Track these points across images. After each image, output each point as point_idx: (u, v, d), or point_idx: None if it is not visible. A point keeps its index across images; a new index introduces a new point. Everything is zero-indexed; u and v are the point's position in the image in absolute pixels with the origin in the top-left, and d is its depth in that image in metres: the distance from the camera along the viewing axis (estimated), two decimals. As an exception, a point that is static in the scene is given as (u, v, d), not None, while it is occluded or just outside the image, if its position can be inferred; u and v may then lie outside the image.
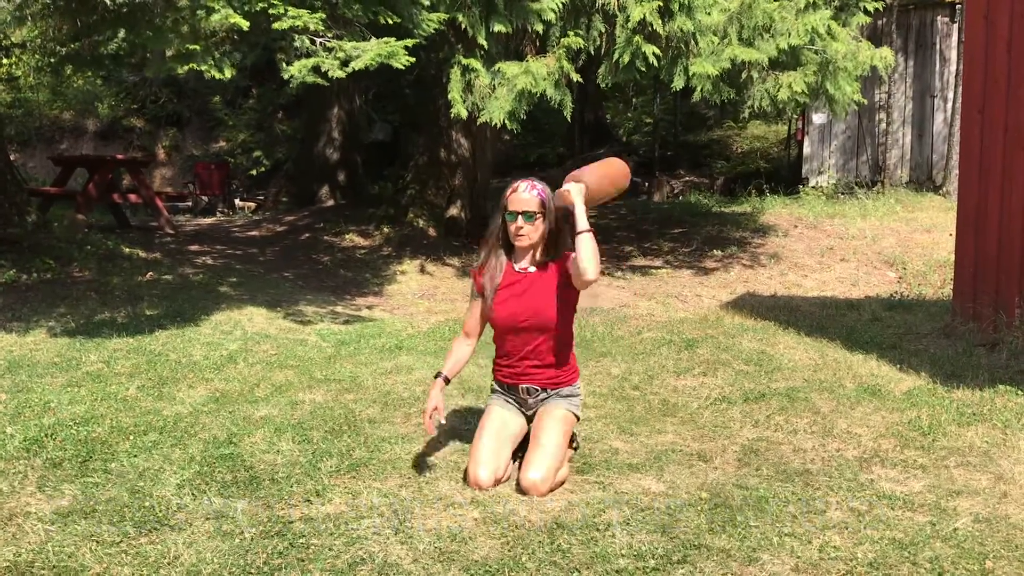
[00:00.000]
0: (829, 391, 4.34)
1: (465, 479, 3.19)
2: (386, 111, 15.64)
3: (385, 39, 5.68)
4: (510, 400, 3.40)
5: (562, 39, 6.93)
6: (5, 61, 15.49)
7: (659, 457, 3.48)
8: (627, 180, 3.44)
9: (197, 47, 5.16)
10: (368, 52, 5.50)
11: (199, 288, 7.00)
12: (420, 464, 3.37)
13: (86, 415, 3.86)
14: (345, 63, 5.54)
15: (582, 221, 3.11)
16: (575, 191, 3.16)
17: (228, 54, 5.52)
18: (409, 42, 5.68)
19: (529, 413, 3.39)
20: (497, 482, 3.14)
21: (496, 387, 3.46)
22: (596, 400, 4.32)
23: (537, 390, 3.34)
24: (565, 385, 3.38)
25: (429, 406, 3.22)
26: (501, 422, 3.31)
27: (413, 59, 5.71)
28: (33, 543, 2.66)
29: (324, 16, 5.45)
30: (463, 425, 3.86)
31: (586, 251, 3.08)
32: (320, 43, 5.62)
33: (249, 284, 7.40)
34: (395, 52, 5.57)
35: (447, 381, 3.34)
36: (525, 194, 3.23)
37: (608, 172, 3.35)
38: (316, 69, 5.54)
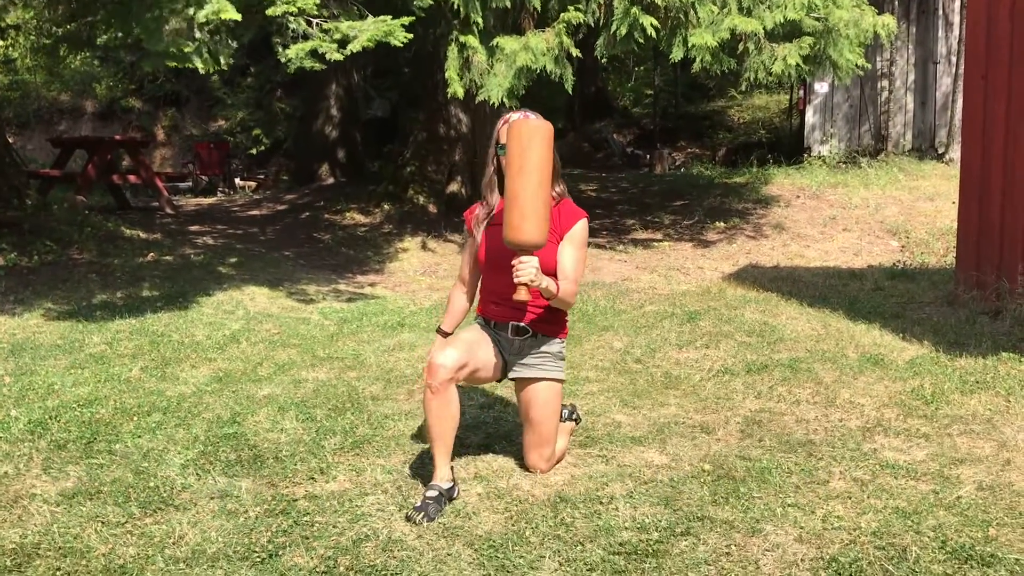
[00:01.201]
0: (832, 361, 4.33)
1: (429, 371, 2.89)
2: (384, 87, 15.54)
3: (382, 17, 5.62)
4: (491, 337, 3.11)
5: (562, 13, 6.84)
6: (1, 43, 15.39)
7: (662, 430, 3.48)
8: (539, 131, 2.76)
9: (189, 47, 5.10)
10: (365, 32, 5.43)
11: (200, 268, 7.00)
12: (423, 440, 3.37)
13: (90, 396, 3.87)
14: (343, 44, 5.48)
15: (551, 287, 2.82)
16: (526, 275, 2.73)
17: (222, 42, 5.46)
18: (406, 20, 5.61)
19: (508, 357, 3.10)
20: (453, 380, 2.86)
21: (479, 321, 3.18)
22: (598, 374, 4.32)
23: (527, 329, 3.05)
24: (553, 335, 3.10)
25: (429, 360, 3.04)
26: (478, 336, 3.07)
27: (411, 35, 5.65)
28: (39, 524, 2.68)
29: (317, 2, 5.39)
30: (466, 400, 3.86)
31: (563, 303, 2.96)
32: (316, 24, 5.57)
33: (250, 263, 7.40)
34: (392, 30, 5.50)
35: (446, 335, 3.18)
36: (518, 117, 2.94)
37: (527, 167, 2.73)
38: (314, 52, 5.48)
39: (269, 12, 5.21)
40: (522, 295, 2.76)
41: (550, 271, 2.94)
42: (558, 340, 3.13)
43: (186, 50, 5.10)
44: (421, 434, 3.45)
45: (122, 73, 17.12)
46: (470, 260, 3.19)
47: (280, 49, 5.61)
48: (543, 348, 3.09)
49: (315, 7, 5.36)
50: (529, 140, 2.73)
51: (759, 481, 2.96)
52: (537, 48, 6.67)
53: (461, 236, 3.04)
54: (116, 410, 3.71)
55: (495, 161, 3.07)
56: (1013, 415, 3.55)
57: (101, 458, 3.21)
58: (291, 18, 5.28)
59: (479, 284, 3.21)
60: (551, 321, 3.09)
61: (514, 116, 2.99)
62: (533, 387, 3.07)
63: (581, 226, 3.05)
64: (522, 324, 3.05)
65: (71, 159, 11.00)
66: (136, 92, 17.29)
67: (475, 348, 3.01)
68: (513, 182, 2.72)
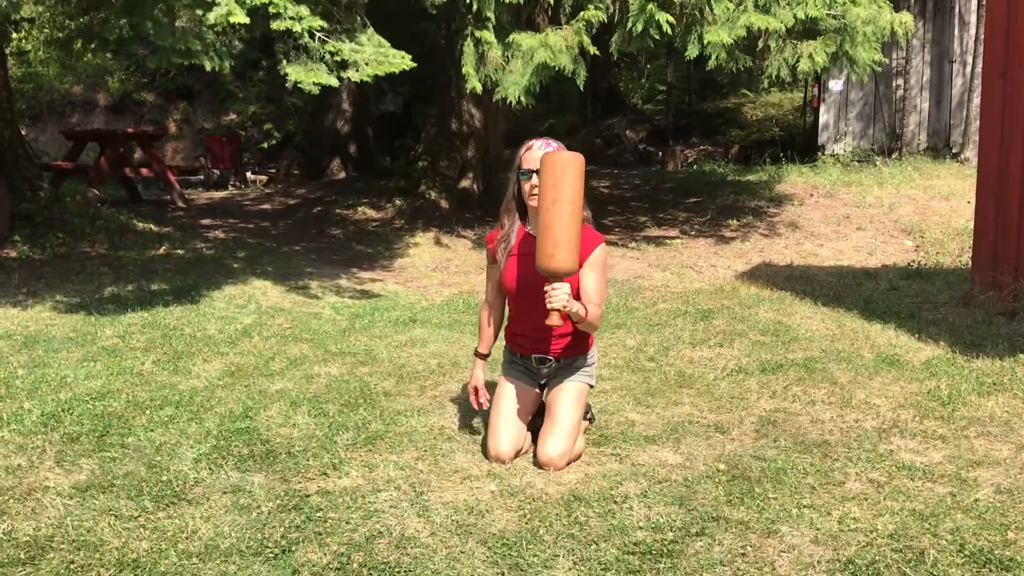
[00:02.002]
0: (847, 361, 4.30)
1: (484, 453, 3.17)
2: (396, 82, 15.53)
3: (382, 49, 5.66)
4: (522, 369, 3.33)
5: (582, 12, 6.82)
6: (15, 36, 15.44)
7: (676, 429, 3.46)
8: (572, 163, 2.87)
9: (197, 45, 5.13)
10: (367, 66, 5.50)
11: (212, 262, 7.01)
12: (436, 437, 3.36)
13: (102, 390, 3.87)
14: (342, 66, 5.53)
15: (580, 311, 2.98)
16: (559, 301, 2.88)
17: (230, 44, 5.48)
18: (406, 64, 5.66)
19: (542, 382, 3.34)
20: (517, 454, 3.14)
21: (508, 355, 3.39)
22: (612, 372, 4.30)
23: (550, 360, 3.25)
24: (579, 354, 3.28)
25: (471, 385, 3.36)
26: (516, 394, 3.28)
27: (414, 64, 5.71)
28: (52, 518, 2.67)
29: (324, 25, 5.41)
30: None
31: (590, 327, 3.13)
32: (318, 38, 5.57)
33: (262, 258, 7.40)
34: (393, 69, 5.60)
35: (484, 357, 3.38)
36: (540, 152, 3.09)
37: (562, 200, 2.84)
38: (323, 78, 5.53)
39: (275, 25, 5.23)
40: (555, 320, 2.91)
41: (574, 295, 3.08)
42: (583, 356, 3.30)
43: (194, 48, 5.12)
44: (434, 430, 3.44)
45: (134, 66, 17.17)
46: (495, 285, 3.35)
47: (283, 61, 5.61)
48: (571, 365, 3.28)
49: (319, 28, 5.37)
50: (563, 171, 2.85)
51: (774, 482, 2.93)
52: (556, 46, 6.65)
53: (485, 259, 3.14)
54: (128, 403, 3.71)
55: (516, 186, 3.20)
56: (1031, 417, 3.52)
57: (114, 451, 3.21)
58: (296, 27, 5.28)
59: (506, 307, 3.39)
60: (573, 347, 3.26)
61: (536, 144, 3.14)
62: (560, 386, 3.24)
63: (600, 251, 3.18)
64: (543, 356, 3.25)
65: (83, 152, 11.03)
66: (148, 85, 17.34)
67: (519, 405, 3.22)
68: (547, 212, 2.85)
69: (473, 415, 3.59)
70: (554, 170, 2.86)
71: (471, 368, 3.51)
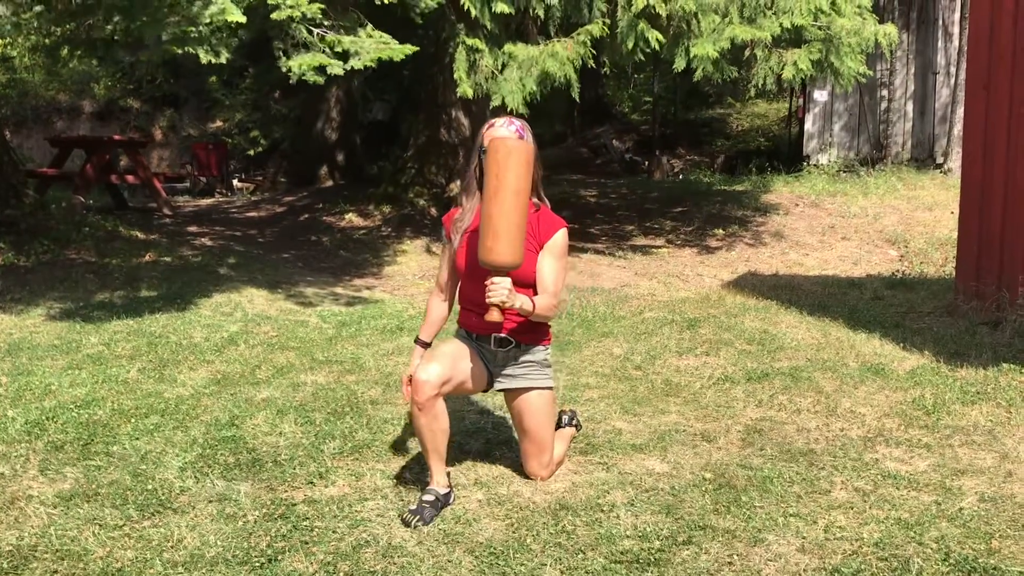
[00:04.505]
0: (832, 370, 4.32)
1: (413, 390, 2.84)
2: (384, 90, 15.54)
3: (384, 39, 5.67)
4: (476, 348, 3.03)
5: (585, 26, 6.89)
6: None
7: (663, 437, 3.47)
8: (516, 152, 2.70)
9: (191, 29, 5.08)
10: (367, 53, 5.49)
11: (198, 269, 6.97)
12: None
13: (87, 398, 3.85)
14: (344, 57, 5.51)
15: (526, 305, 2.77)
16: (498, 297, 2.69)
17: (224, 41, 5.45)
18: (408, 49, 5.65)
19: (493, 369, 3.03)
20: (438, 395, 2.81)
21: (463, 334, 3.09)
22: (598, 380, 4.31)
23: (510, 340, 2.98)
24: (537, 343, 3.03)
25: (406, 374, 3.02)
26: (460, 349, 2.98)
27: (416, 48, 5.72)
28: (36, 527, 2.65)
29: (323, 7, 5.40)
30: (465, 406, 3.85)
31: (541, 318, 2.91)
32: (317, 33, 5.57)
33: (249, 265, 7.37)
34: (394, 55, 5.60)
35: (426, 345, 3.12)
36: (503, 130, 2.91)
37: (503, 187, 2.68)
38: (318, 67, 5.50)
39: (274, 16, 5.20)
40: (494, 316, 2.71)
41: (530, 281, 2.91)
42: (542, 347, 3.06)
43: (190, 33, 5.05)
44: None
45: (121, 73, 17.10)
46: (448, 266, 3.11)
47: (282, 57, 5.59)
48: (527, 357, 3.02)
49: (319, 13, 5.36)
50: (506, 160, 2.68)
51: (761, 490, 2.94)
52: (560, 56, 6.72)
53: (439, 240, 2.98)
54: (114, 411, 3.69)
55: (478, 164, 2.96)
56: (1014, 426, 3.55)
57: (99, 460, 3.19)
58: (294, 24, 5.27)
59: (457, 291, 3.14)
60: (532, 330, 3.02)
61: (499, 122, 2.95)
62: (523, 397, 3.02)
63: (561, 236, 2.97)
64: (503, 335, 2.98)
65: (69, 158, 10.97)
66: (134, 92, 17.27)
67: (458, 361, 2.93)
68: (488, 203, 2.69)
69: (458, 423, 3.59)
70: (497, 157, 2.67)
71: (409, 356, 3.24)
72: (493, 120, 2.99)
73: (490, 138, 2.85)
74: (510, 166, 2.67)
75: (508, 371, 3.03)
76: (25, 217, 7.58)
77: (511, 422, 3.27)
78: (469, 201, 3.02)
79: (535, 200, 2.96)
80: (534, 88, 6.74)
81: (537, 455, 3.03)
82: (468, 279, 3.01)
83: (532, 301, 2.81)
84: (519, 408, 3.03)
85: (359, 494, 2.92)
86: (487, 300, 2.72)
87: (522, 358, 3.02)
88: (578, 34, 6.89)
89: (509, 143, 2.72)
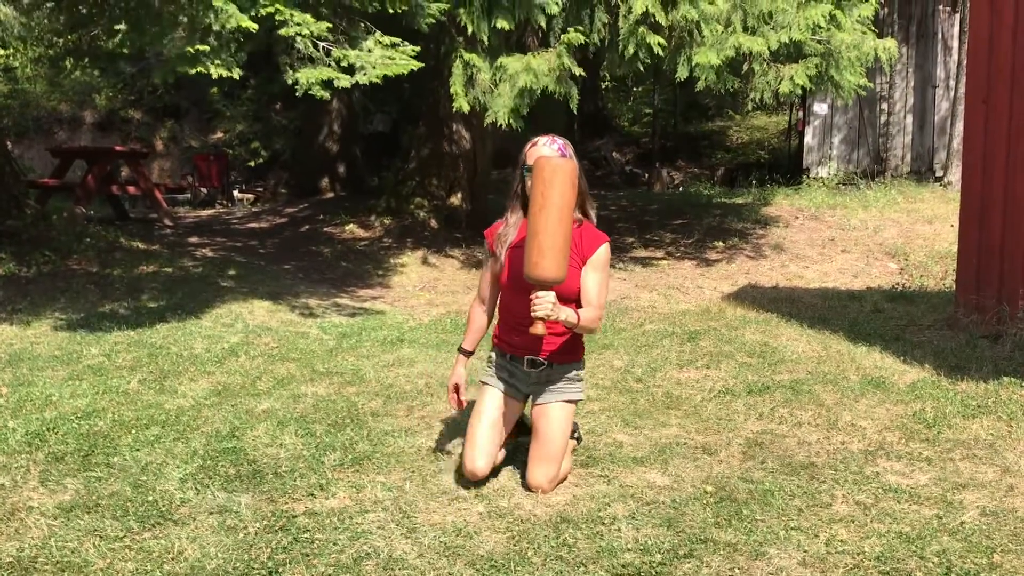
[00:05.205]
0: (833, 383, 4.33)
1: (459, 468, 3.15)
2: (385, 102, 15.58)
3: (389, 54, 5.69)
4: (509, 374, 3.19)
5: (563, 35, 6.88)
6: (2, 52, 15.43)
7: (663, 450, 3.47)
8: (561, 170, 2.81)
9: (206, 47, 5.09)
10: (374, 69, 5.53)
11: (199, 280, 6.98)
12: (424, 457, 3.35)
13: (88, 409, 3.85)
14: (350, 71, 5.55)
15: (570, 318, 2.92)
16: (543, 311, 2.82)
17: (235, 53, 5.47)
18: (414, 65, 5.69)
19: (526, 390, 3.20)
20: (493, 469, 3.10)
21: (495, 357, 3.25)
22: (599, 393, 4.31)
23: (542, 363, 3.12)
24: (571, 360, 3.18)
25: (451, 382, 3.25)
26: (499, 405, 3.16)
27: (421, 64, 5.75)
28: (36, 538, 2.65)
29: (329, 26, 5.43)
30: (466, 418, 3.84)
31: (586, 330, 3.08)
32: (323, 47, 5.59)
33: (249, 276, 7.38)
34: (399, 70, 5.64)
35: (468, 354, 3.27)
36: (546, 148, 3.05)
37: (549, 209, 2.78)
38: (326, 82, 5.53)
39: (282, 32, 5.23)
40: (539, 329, 2.83)
41: (572, 295, 3.02)
42: (575, 363, 3.20)
43: (203, 50, 5.07)
44: (421, 451, 3.43)
45: (122, 84, 17.14)
46: (491, 279, 3.25)
47: (288, 71, 5.61)
48: (561, 374, 3.17)
49: (326, 32, 5.39)
50: (552, 177, 2.79)
51: (762, 504, 2.94)
52: (539, 69, 6.70)
53: (481, 252, 3.05)
54: (114, 423, 3.69)
55: (520, 183, 3.13)
56: (1015, 440, 3.55)
57: (99, 471, 3.19)
58: (300, 39, 5.29)
59: (498, 303, 3.26)
60: (568, 351, 3.16)
61: (541, 140, 3.08)
62: (546, 403, 3.16)
63: (604, 250, 3.10)
64: (538, 359, 3.12)
65: (70, 169, 10.99)
66: (136, 103, 17.30)
67: (495, 429, 3.12)
68: (534, 219, 2.79)
69: (460, 436, 3.58)
70: (543, 175, 2.80)
71: (452, 365, 3.38)
72: (535, 139, 3.13)
73: (535, 157, 2.96)
74: (555, 184, 2.78)
75: (542, 387, 3.18)
76: (26, 228, 7.59)
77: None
78: (512, 215, 3.17)
79: (578, 215, 3.08)
80: (519, 101, 6.73)
81: (542, 462, 3.05)
82: (512, 292, 3.13)
83: (577, 313, 2.95)
84: (538, 412, 3.17)
85: (360, 506, 2.91)
86: (532, 314, 2.83)
87: (556, 375, 3.16)
88: (559, 43, 6.90)
89: (554, 162, 2.84)
